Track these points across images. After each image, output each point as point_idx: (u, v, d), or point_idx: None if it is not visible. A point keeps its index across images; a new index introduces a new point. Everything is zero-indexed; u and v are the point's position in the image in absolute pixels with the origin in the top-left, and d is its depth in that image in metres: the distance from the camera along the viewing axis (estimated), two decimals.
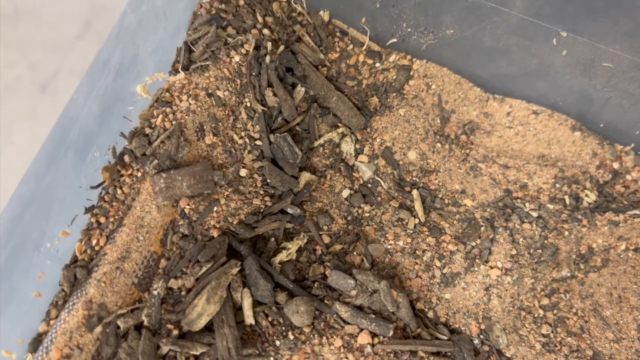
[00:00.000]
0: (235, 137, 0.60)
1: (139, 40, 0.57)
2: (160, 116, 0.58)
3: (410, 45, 0.63)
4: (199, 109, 0.59)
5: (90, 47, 0.62)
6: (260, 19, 0.62)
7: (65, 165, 0.53)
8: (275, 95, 0.59)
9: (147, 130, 0.58)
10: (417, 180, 0.63)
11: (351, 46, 0.66)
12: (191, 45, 0.58)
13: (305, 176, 0.62)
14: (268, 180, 0.60)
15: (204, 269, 0.55)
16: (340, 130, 0.64)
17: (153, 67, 0.58)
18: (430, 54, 0.63)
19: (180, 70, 0.58)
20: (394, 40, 0.64)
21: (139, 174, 0.57)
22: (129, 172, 0.57)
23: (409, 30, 0.61)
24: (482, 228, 0.61)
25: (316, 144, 0.64)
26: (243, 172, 0.59)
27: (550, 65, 0.59)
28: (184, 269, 0.55)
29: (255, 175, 0.60)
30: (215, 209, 0.57)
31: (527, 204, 0.61)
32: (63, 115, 0.52)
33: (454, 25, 0.58)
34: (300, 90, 0.62)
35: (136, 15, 0.55)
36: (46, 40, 0.65)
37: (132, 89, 0.57)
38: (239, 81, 0.60)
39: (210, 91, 0.59)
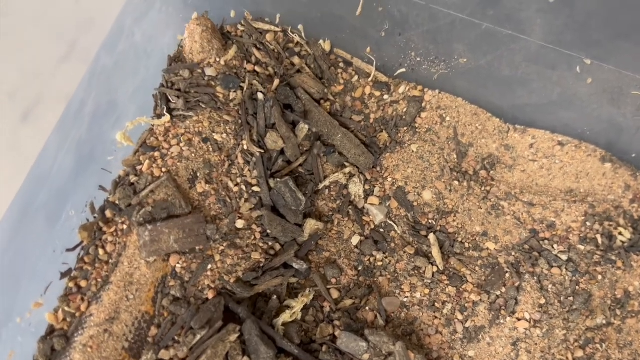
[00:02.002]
0: (231, 185, 0.60)
1: (117, 82, 0.58)
2: (147, 162, 0.59)
3: (421, 75, 0.64)
4: (193, 155, 0.59)
5: (76, 69, 0.63)
6: (253, 53, 0.64)
7: (35, 229, 0.53)
8: (275, 135, 0.60)
9: (133, 179, 0.58)
10: (434, 222, 0.63)
11: (356, 77, 0.67)
12: (168, 92, 0.59)
13: (311, 224, 0.62)
14: (268, 231, 0.60)
15: (198, 336, 0.54)
16: (347, 170, 0.65)
17: (135, 110, 0.59)
18: (443, 83, 0.64)
19: (165, 113, 0.59)
20: (403, 70, 0.65)
21: (125, 227, 0.58)
22: (112, 228, 0.57)
23: (418, 59, 0.63)
24: (507, 275, 0.62)
25: (321, 186, 0.65)
26: (240, 224, 0.59)
27: (575, 94, 0.61)
28: (176, 337, 0.55)
29: (254, 226, 0.61)
30: (209, 266, 0.58)
31: (555, 246, 0.62)
32: (30, 175, 0.53)
33: (467, 53, 0.60)
34: (303, 127, 0.62)
35: (111, 56, 0.56)
36: (28, 63, 0.65)
37: (111, 137, 0.57)
38: (238, 121, 0.61)
39: (205, 136, 0.60)
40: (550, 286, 0.61)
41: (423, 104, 0.66)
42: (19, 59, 0.62)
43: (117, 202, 0.58)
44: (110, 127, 0.60)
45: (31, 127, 0.63)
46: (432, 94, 0.66)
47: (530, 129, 0.64)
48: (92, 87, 0.59)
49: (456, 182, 0.64)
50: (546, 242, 0.63)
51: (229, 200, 0.60)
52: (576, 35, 0.56)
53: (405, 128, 0.66)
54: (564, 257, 0.61)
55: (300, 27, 0.66)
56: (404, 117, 0.66)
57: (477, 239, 0.63)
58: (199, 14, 0.63)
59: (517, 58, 0.59)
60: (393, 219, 0.64)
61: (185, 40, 0.61)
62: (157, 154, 0.59)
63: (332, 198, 0.65)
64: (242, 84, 0.61)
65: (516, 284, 0.61)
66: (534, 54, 0.58)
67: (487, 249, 0.62)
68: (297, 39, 0.66)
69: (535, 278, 0.61)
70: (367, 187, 0.65)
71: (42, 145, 0.58)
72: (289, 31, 0.66)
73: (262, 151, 0.61)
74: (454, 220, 0.63)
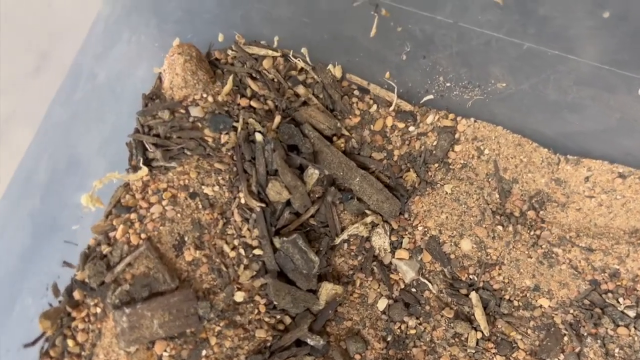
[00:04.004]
0: (226, 249, 0.58)
1: (77, 135, 0.56)
2: (122, 227, 0.56)
3: (452, 102, 0.64)
4: (178, 215, 0.57)
5: (48, 84, 0.63)
6: (248, 85, 0.62)
7: None
8: (278, 185, 0.59)
9: (105, 249, 0.56)
10: (476, 278, 0.63)
11: (375, 107, 0.66)
12: (145, 139, 0.57)
13: (327, 288, 0.61)
14: (275, 303, 0.58)
15: None
16: (368, 219, 0.64)
17: (104, 165, 0.57)
18: (478, 110, 0.63)
19: (141, 165, 0.57)
20: (430, 96, 0.64)
21: (98, 310, 0.55)
22: (83, 313, 0.55)
23: (448, 84, 0.63)
24: (565, 338, 0.62)
25: (338, 240, 0.63)
26: (239, 296, 0.58)
27: (636, 120, 0.61)
28: None
29: (257, 298, 0.59)
30: (203, 352, 0.55)
31: (620, 300, 0.63)
32: None
33: (506, 77, 0.59)
34: (312, 173, 0.60)
35: (67, 106, 0.57)
36: None
37: (75, 201, 0.55)
38: (233, 170, 0.59)
39: (193, 190, 0.58)
40: (617, 350, 0.61)
41: (456, 135, 0.65)
42: (5, 48, 0.63)
43: (87, 280, 0.55)
44: (73, 190, 0.57)
45: (19, 119, 0.63)
46: (467, 122, 0.65)
47: (585, 159, 0.63)
48: (46, 146, 0.56)
49: (500, 227, 0.63)
50: (610, 295, 0.62)
51: (224, 269, 0.57)
52: (635, 54, 0.58)
53: (437, 165, 0.65)
54: (632, 313, 0.61)
55: (303, 50, 0.64)
56: (434, 151, 0.65)
57: (528, 295, 0.63)
58: (180, 39, 0.64)
59: (566, 81, 0.60)
60: (427, 275, 0.64)
61: (164, 73, 0.58)
62: (133, 216, 0.56)
63: (353, 254, 0.64)
64: (235, 124, 0.59)
65: (576, 350, 0.60)
66: (587, 75, 0.57)
67: (540, 306, 0.62)
68: (300, 64, 0.64)
69: (599, 341, 0.61)
70: (393, 238, 0.64)
71: (30, 139, 0.58)
72: (291, 55, 0.64)
73: (264, 205, 0.58)
74: (499, 274, 0.63)
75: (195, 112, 0.61)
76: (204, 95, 0.62)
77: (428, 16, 0.55)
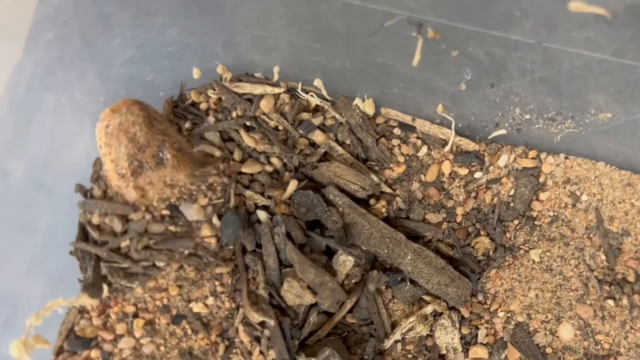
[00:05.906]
0: None
1: None
2: None
3: (533, 137, 0.58)
4: (161, 348, 0.50)
5: None
6: (240, 139, 0.54)
7: None
8: (297, 285, 0.56)
9: None
10: None
11: (424, 149, 0.59)
12: (94, 252, 0.50)
13: None
14: None
15: None
16: (429, 309, 0.58)
17: (41, 288, 0.49)
18: (570, 145, 0.58)
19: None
20: (502, 131, 0.58)
21: None
22: None
23: (527, 117, 0.54)
24: None
25: (389, 342, 0.57)
26: None
27: None
28: None
29: None
30: None
31: None
32: None
33: (611, 106, 0.54)
34: (344, 260, 0.52)
35: None
36: None
37: (3, 352, 0.53)
38: (233, 268, 0.52)
39: (176, 311, 0.50)
40: None
41: (541, 179, 0.61)
42: None
43: None
44: None
45: None
46: (554, 160, 0.60)
47: None
48: None
49: (610, 302, 0.60)
50: None
51: None
52: None
53: (517, 222, 0.60)
54: None
55: (317, 82, 0.54)
56: (511, 204, 0.60)
57: None
58: (136, 83, 0.51)
59: None
60: None
61: (102, 149, 0.50)
62: (95, 353, 0.48)
63: (410, 356, 0.59)
64: (226, 203, 0.51)
65: None
66: None
67: None
68: (315, 101, 0.54)
69: None
70: (465, 331, 0.60)
71: None
72: (299, 90, 0.54)
73: (275, 320, 0.50)
74: None
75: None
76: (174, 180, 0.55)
77: (498, 36, 0.47)
